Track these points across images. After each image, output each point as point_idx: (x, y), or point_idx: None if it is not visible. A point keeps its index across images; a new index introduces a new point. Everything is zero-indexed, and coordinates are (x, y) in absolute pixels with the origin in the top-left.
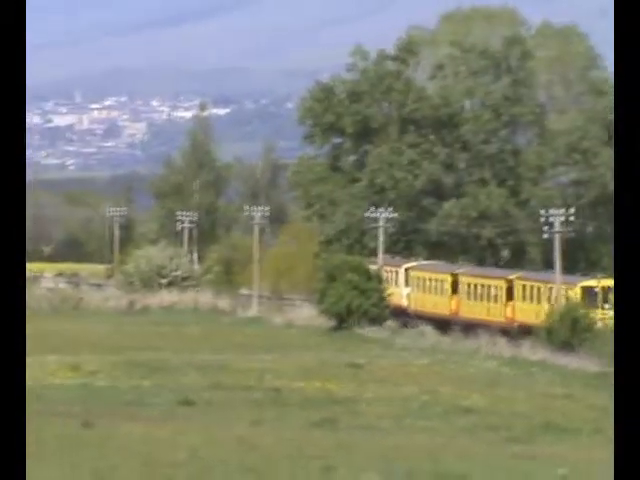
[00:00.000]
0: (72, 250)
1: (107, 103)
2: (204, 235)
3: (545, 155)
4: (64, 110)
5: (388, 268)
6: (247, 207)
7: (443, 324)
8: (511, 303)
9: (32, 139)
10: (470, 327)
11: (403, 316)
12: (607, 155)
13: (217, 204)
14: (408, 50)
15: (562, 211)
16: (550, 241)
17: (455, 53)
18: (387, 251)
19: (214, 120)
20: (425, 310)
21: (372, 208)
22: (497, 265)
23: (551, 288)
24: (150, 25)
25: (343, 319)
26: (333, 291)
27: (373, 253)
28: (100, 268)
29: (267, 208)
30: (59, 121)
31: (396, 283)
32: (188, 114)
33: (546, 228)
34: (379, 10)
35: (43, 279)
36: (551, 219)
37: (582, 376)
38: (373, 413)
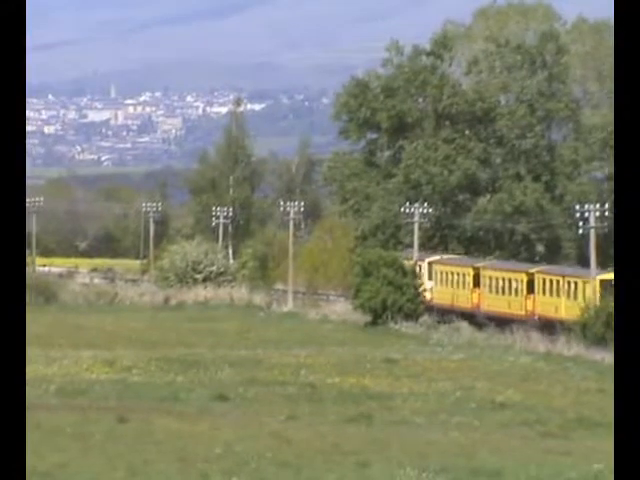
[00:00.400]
0: (107, 245)
1: (142, 98)
2: (239, 230)
3: (580, 150)
4: (99, 105)
5: (412, 261)
6: (282, 202)
7: (466, 317)
8: (532, 296)
9: (67, 134)
10: (492, 320)
11: (427, 309)
12: None
13: (252, 199)
14: (443, 45)
15: (597, 206)
16: (585, 236)
17: (490, 48)
18: (422, 246)
19: (249, 115)
20: (447, 303)
21: (407, 203)
22: (532, 260)
23: (569, 282)
24: (185, 19)
25: (378, 314)
26: (368, 286)
27: (408, 248)
28: (135, 263)
29: (302, 203)
30: (94, 116)
31: (420, 276)
32: (223, 109)
33: (581, 223)
34: (414, 5)
35: (78, 274)
36: (586, 214)
37: None
38: (408, 408)
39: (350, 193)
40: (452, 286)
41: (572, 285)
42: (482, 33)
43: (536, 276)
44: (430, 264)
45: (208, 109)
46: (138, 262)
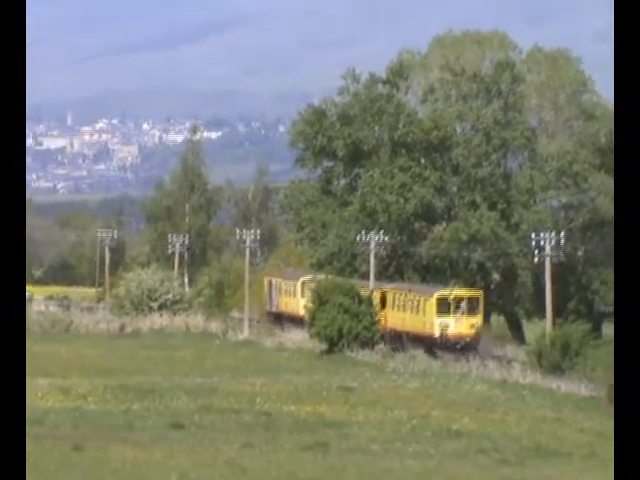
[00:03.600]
0: (63, 273)
1: (98, 126)
2: (195, 258)
3: (536, 179)
4: (55, 133)
5: (288, 281)
6: (238, 230)
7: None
8: (384, 311)
9: None
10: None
11: (301, 324)
12: (597, 179)
13: (208, 227)
14: (399, 73)
15: (553, 235)
16: (541, 265)
17: (446, 77)
18: (378, 274)
19: (206, 143)
20: None
21: (363, 232)
22: (488, 288)
23: (419, 300)
24: (142, 47)
25: (334, 342)
26: (324, 314)
27: (364, 277)
28: (91, 291)
29: (258, 231)
30: (50, 144)
31: (294, 295)
32: (179, 137)
33: (537, 252)
34: (371, 33)
35: (34, 302)
36: (542, 242)
37: (573, 400)
38: (364, 436)
39: (306, 221)
40: None
41: (415, 301)
42: (438, 62)
43: (388, 293)
44: (303, 283)
45: (164, 137)
46: (94, 290)
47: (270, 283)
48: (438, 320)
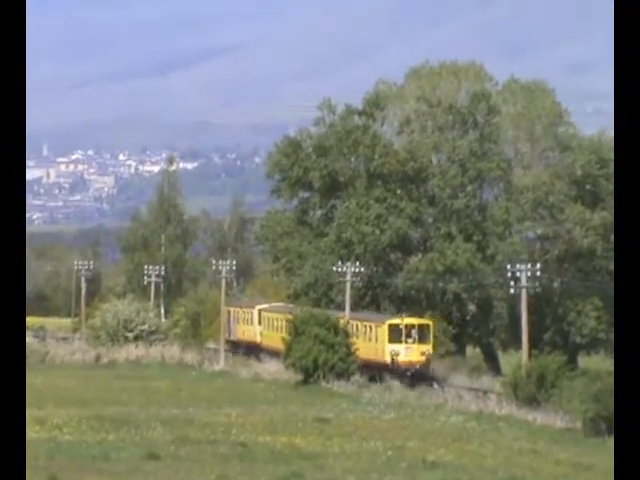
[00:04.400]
0: (38, 304)
1: (74, 157)
2: (171, 289)
3: (511, 210)
4: (31, 163)
5: (245, 309)
6: (214, 261)
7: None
8: None
9: None
10: None
11: (257, 350)
12: (573, 210)
13: (184, 258)
14: (375, 104)
15: (528, 266)
16: (517, 296)
17: (422, 108)
18: (355, 305)
19: (182, 174)
20: (272, 345)
21: (339, 262)
22: (464, 319)
23: (366, 325)
24: (117, 78)
25: (310, 373)
26: (300, 345)
27: (340, 307)
28: (67, 322)
29: (234, 262)
30: (26, 174)
31: (251, 322)
32: (155, 168)
33: (512, 283)
34: (347, 64)
35: None
36: (517, 274)
37: (549, 431)
38: (339, 468)
39: (282, 252)
40: (276, 330)
41: (368, 328)
42: (414, 93)
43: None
44: (260, 311)
45: (140, 167)
46: (69, 320)
47: (228, 312)
48: (389, 347)
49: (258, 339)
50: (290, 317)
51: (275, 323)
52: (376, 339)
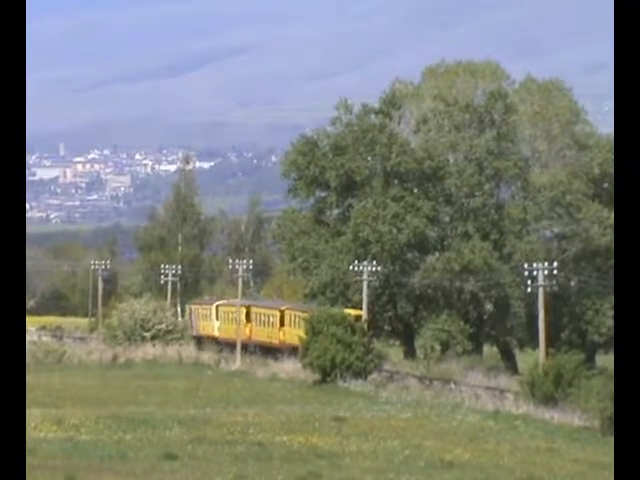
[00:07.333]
0: (55, 303)
1: (91, 156)
2: (188, 288)
3: (528, 209)
4: (48, 163)
5: (205, 306)
6: (231, 260)
7: (243, 347)
8: (283, 329)
9: None
10: (263, 348)
11: (216, 343)
12: (591, 209)
13: (201, 257)
14: (392, 104)
15: (546, 265)
16: (533, 295)
17: (439, 107)
18: (371, 304)
19: (198, 173)
20: (229, 337)
21: (356, 261)
22: (481, 318)
23: (300, 316)
24: (133, 78)
25: (327, 373)
26: (317, 344)
27: (357, 306)
28: (84, 321)
29: (251, 261)
30: (43, 174)
31: (210, 318)
32: (172, 167)
33: (529, 282)
34: (363, 64)
35: (27, 332)
36: (535, 273)
37: (566, 430)
38: (356, 467)
39: (299, 251)
40: (232, 323)
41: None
42: (431, 92)
43: (285, 312)
44: (217, 307)
45: (157, 167)
46: (86, 320)
47: (190, 310)
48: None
49: (216, 333)
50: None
51: (230, 316)
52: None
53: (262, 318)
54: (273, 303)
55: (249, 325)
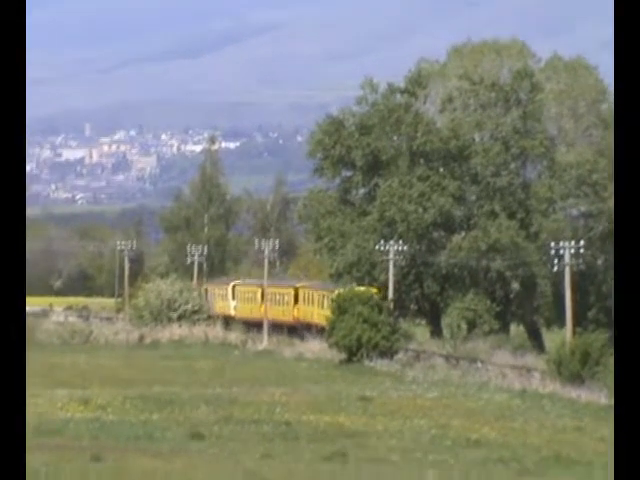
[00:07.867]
0: (82, 284)
1: (116, 137)
2: (214, 268)
3: (555, 188)
4: (74, 144)
5: (222, 286)
6: (257, 240)
7: (258, 325)
8: (297, 306)
9: (42, 173)
10: (276, 326)
11: (234, 322)
12: None
13: (227, 237)
14: (417, 83)
15: (572, 243)
16: (560, 273)
17: (464, 86)
18: (397, 284)
19: (224, 153)
20: (245, 316)
21: (382, 241)
22: (507, 297)
23: (323, 295)
24: (158, 58)
25: (353, 352)
26: (343, 324)
27: (383, 286)
28: (110, 302)
29: (277, 241)
30: (69, 155)
31: (226, 298)
32: (198, 148)
33: (556, 261)
34: (388, 43)
35: (53, 313)
36: (561, 251)
37: (593, 409)
38: (383, 446)
39: (325, 231)
40: (248, 302)
41: (322, 297)
42: (456, 71)
43: (300, 290)
44: (234, 287)
45: (183, 147)
46: (113, 300)
47: (206, 291)
48: None
49: (232, 312)
50: (257, 288)
51: (246, 295)
52: (329, 305)
53: (277, 297)
54: (289, 282)
55: (263, 304)
